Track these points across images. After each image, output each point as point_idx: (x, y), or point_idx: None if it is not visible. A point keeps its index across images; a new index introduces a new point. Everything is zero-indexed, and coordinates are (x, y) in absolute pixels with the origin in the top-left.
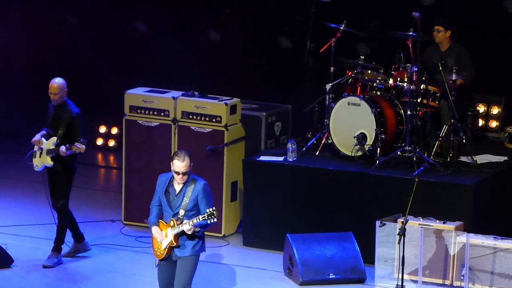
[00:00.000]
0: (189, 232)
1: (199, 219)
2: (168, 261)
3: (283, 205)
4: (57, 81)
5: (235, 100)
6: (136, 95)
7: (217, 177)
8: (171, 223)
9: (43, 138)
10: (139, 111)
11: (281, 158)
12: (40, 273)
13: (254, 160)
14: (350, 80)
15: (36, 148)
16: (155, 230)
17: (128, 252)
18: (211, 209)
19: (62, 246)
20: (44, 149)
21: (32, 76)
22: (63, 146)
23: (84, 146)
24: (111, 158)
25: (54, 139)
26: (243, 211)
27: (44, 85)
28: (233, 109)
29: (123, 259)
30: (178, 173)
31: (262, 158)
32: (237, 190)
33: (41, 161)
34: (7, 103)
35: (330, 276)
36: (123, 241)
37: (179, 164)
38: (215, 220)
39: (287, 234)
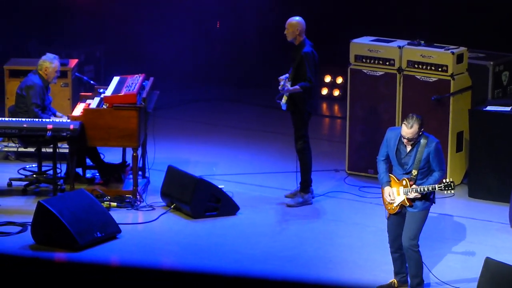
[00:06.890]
0: (417, 197)
1: (434, 187)
2: (398, 214)
3: (510, 156)
4: (292, 18)
5: (462, 49)
6: (362, 44)
7: (442, 127)
8: (403, 182)
9: (285, 78)
10: (364, 60)
11: (508, 108)
12: (264, 219)
13: (480, 110)
14: None
15: (280, 87)
16: (387, 190)
17: (351, 202)
18: (448, 180)
19: (309, 186)
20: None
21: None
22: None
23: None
24: (336, 107)
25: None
26: (468, 162)
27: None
28: (459, 58)
29: (346, 208)
30: (404, 137)
31: (489, 108)
32: (462, 140)
33: (285, 99)
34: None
35: None
36: (346, 190)
37: (406, 130)
38: (453, 192)
39: None
